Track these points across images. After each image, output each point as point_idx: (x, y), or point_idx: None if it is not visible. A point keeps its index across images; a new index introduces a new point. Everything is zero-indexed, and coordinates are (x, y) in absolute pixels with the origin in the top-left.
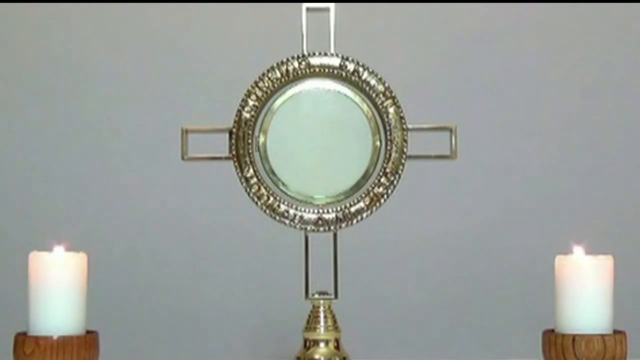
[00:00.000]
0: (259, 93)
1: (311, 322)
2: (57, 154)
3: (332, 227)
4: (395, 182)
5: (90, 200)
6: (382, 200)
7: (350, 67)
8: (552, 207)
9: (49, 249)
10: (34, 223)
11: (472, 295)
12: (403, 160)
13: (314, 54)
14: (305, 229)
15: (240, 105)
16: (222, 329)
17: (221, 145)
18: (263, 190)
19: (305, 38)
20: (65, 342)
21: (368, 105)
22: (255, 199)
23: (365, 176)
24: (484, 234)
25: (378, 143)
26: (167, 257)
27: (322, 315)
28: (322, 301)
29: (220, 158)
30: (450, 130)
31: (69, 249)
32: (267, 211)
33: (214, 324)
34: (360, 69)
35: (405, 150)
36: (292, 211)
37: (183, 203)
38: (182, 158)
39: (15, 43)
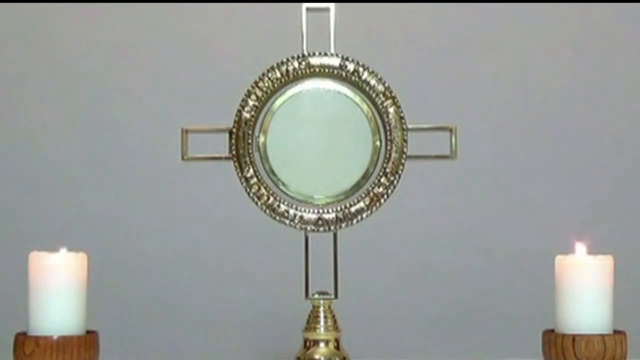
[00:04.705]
0: (259, 93)
1: (311, 322)
2: (57, 154)
3: (332, 227)
4: (395, 182)
5: (91, 200)
6: (382, 200)
7: (350, 67)
8: (552, 207)
9: (49, 249)
10: (34, 223)
11: (472, 295)
12: (403, 160)
13: (314, 54)
14: (305, 229)
15: (240, 105)
16: (222, 328)
17: (221, 145)
18: (263, 190)
19: (305, 38)
20: (65, 342)
21: (368, 105)
22: (255, 199)
23: (365, 176)
24: (484, 234)
25: (378, 143)
26: (166, 257)
27: (322, 315)
28: (322, 301)
29: (220, 158)
30: (450, 130)
31: (69, 249)
32: (267, 211)
33: (214, 324)
34: (360, 69)
35: (405, 150)
36: (292, 211)
37: (183, 203)
38: (182, 158)
39: (14, 43)
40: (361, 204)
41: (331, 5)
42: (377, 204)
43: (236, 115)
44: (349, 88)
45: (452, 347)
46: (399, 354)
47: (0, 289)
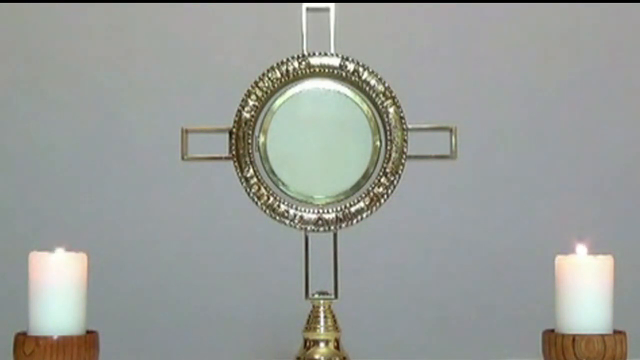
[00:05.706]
0: (259, 93)
1: (311, 322)
2: (57, 153)
3: (332, 227)
4: (395, 182)
5: (91, 200)
6: (382, 200)
7: (350, 67)
8: (552, 206)
9: (49, 249)
10: (34, 223)
11: (472, 295)
12: (403, 160)
13: (314, 54)
14: (305, 229)
15: (240, 105)
16: (221, 328)
17: (221, 145)
18: (263, 190)
19: (305, 38)
20: (65, 342)
21: (368, 105)
22: (255, 199)
23: (365, 176)
24: (484, 234)
25: (378, 143)
26: (166, 257)
27: (322, 315)
28: (322, 301)
29: (220, 158)
30: (450, 130)
31: (69, 249)
32: (267, 211)
33: (214, 324)
34: (360, 69)
35: (405, 150)
36: (292, 211)
37: (183, 203)
38: (182, 158)
39: (14, 44)
40: (361, 204)
41: (331, 5)
42: (377, 204)
43: (236, 115)
44: (349, 88)
45: (452, 347)
46: (399, 354)
47: (0, 289)
